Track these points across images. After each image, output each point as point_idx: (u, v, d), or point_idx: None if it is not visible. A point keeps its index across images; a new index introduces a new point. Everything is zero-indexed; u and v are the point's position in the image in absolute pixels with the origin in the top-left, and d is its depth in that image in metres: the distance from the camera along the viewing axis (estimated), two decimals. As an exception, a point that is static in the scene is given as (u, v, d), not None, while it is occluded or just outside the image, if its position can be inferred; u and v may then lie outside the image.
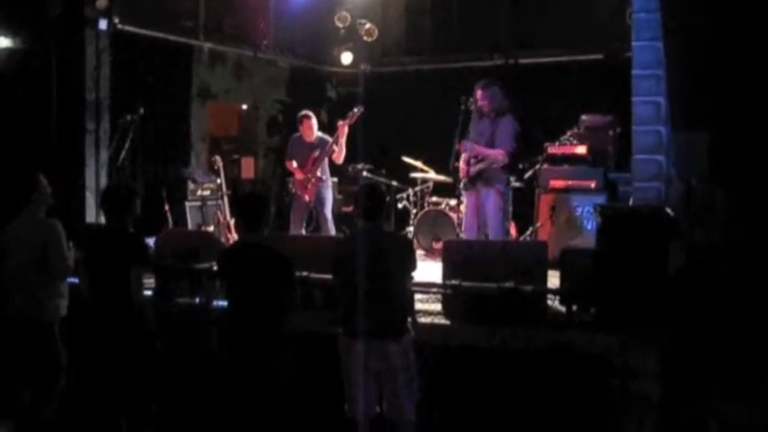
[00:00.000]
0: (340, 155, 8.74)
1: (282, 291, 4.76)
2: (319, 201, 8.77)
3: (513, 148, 7.30)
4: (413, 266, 5.01)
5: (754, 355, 5.34)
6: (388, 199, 5.03)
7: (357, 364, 4.78)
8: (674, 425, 5.25)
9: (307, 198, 8.73)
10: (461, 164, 7.57)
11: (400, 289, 4.94)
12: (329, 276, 6.02)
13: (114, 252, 5.11)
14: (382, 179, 10.17)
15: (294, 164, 8.80)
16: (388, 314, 4.79)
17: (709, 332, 5.45)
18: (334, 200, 9.91)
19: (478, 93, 7.49)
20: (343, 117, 8.80)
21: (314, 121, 8.79)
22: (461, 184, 7.65)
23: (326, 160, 8.78)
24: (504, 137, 7.31)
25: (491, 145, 7.36)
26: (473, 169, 7.40)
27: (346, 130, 8.63)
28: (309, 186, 8.67)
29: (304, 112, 8.91)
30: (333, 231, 8.78)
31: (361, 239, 4.88)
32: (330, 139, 8.70)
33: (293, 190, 9.00)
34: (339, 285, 5.08)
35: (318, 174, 8.70)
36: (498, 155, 7.31)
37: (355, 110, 8.71)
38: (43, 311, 5.37)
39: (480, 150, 7.36)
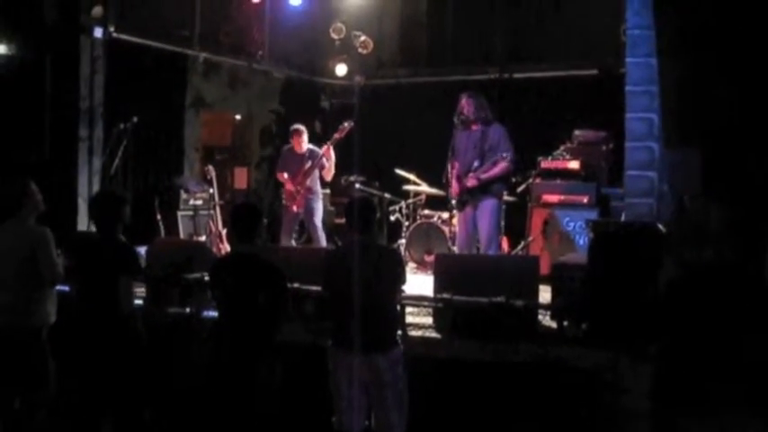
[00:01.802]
0: (329, 173, 8.90)
1: (274, 302, 4.74)
2: (309, 212, 8.82)
3: (513, 152, 7.29)
4: (403, 280, 5.01)
5: (746, 370, 5.34)
6: (379, 212, 5.02)
7: (346, 377, 4.77)
8: (664, 441, 5.25)
9: (295, 209, 8.80)
10: (453, 181, 7.52)
11: (390, 302, 4.94)
12: (320, 288, 6.02)
13: (103, 260, 5.09)
14: (375, 191, 10.18)
15: (285, 175, 8.86)
16: (377, 327, 4.77)
17: (700, 348, 5.45)
18: (326, 211, 9.93)
19: (464, 101, 7.43)
20: (335, 130, 8.87)
21: (305, 136, 8.91)
22: (453, 203, 7.61)
23: (317, 173, 8.83)
24: (502, 144, 7.29)
25: (482, 155, 7.31)
26: (470, 182, 7.32)
27: (332, 153, 8.79)
28: (299, 198, 8.75)
29: (296, 126, 9.01)
30: (323, 242, 8.82)
31: (352, 252, 4.86)
32: (320, 151, 8.76)
33: (284, 201, 9.03)
34: (329, 297, 5.07)
35: (308, 184, 8.74)
36: (504, 169, 7.30)
37: (345, 124, 8.78)
38: (32, 318, 5.33)
39: (486, 176, 7.30)
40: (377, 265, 4.81)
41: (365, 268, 4.75)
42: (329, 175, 8.94)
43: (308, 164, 8.74)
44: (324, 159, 8.74)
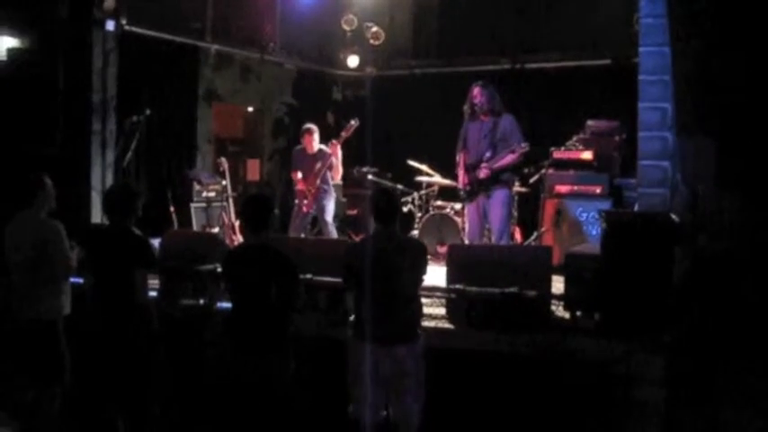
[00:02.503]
0: (337, 173, 8.94)
1: (286, 293, 4.75)
2: (319, 208, 8.86)
3: (525, 141, 7.29)
4: (425, 271, 5.00)
5: (761, 361, 5.32)
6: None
7: (368, 368, 4.76)
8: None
9: (305, 210, 8.84)
10: (460, 172, 7.54)
11: (413, 293, 4.94)
12: (333, 279, 6.04)
13: (119, 253, 5.12)
14: (387, 182, 10.17)
15: (299, 175, 8.87)
16: (401, 318, 4.80)
17: (713, 339, 5.43)
18: (339, 203, 9.94)
19: (476, 90, 7.42)
20: (347, 123, 8.86)
21: (316, 135, 8.87)
22: (462, 194, 7.60)
23: (328, 171, 8.87)
24: (514, 134, 7.30)
25: (494, 145, 7.32)
26: (482, 173, 7.31)
27: (339, 151, 8.78)
28: (309, 198, 8.77)
29: (307, 125, 8.99)
30: (334, 236, 8.82)
31: (375, 243, 4.88)
32: (329, 151, 8.79)
33: (296, 200, 9.05)
34: (351, 289, 5.08)
35: (318, 184, 8.77)
36: (515, 158, 7.30)
37: (351, 122, 8.77)
38: (46, 311, 5.37)
39: (498, 166, 7.29)
40: (402, 256, 4.81)
41: (390, 259, 4.76)
42: (338, 174, 8.97)
43: (319, 165, 8.75)
44: (332, 159, 8.74)
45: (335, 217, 9.31)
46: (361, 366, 4.79)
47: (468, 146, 7.48)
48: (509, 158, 7.27)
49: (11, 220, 5.46)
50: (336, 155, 8.78)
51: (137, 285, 5.11)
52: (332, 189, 9.05)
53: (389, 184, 9.98)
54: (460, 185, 7.54)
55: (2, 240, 5.47)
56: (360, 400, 4.84)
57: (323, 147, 8.87)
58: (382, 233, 4.87)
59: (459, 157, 7.55)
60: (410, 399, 4.79)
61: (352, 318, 4.97)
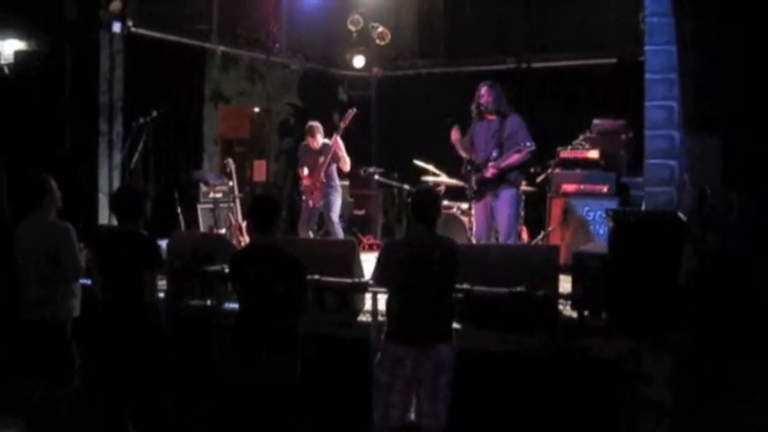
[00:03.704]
0: (345, 163, 8.96)
1: (294, 293, 4.75)
2: (326, 205, 8.91)
3: (532, 141, 7.29)
4: (459, 270, 4.98)
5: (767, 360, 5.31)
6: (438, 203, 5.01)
7: (402, 370, 4.73)
8: (687, 431, 5.23)
9: (312, 204, 8.89)
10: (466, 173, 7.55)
11: (449, 293, 4.95)
12: (340, 279, 6.05)
13: (127, 255, 5.13)
14: (394, 182, 10.18)
15: (305, 170, 8.93)
16: (439, 318, 4.80)
17: (721, 337, 5.42)
18: (345, 203, 9.95)
19: (484, 89, 7.41)
20: (352, 119, 8.90)
21: (318, 132, 8.94)
22: (469, 194, 7.60)
23: (334, 166, 8.91)
24: (521, 134, 7.29)
25: (501, 145, 7.32)
26: (489, 172, 7.32)
27: (340, 142, 8.84)
28: (315, 192, 8.84)
29: (310, 123, 9.11)
30: (340, 235, 8.86)
31: (414, 242, 4.88)
32: (330, 143, 8.85)
33: (303, 196, 9.10)
34: (383, 288, 5.07)
35: (323, 179, 8.81)
36: (522, 158, 7.30)
37: (349, 111, 8.82)
38: (56, 312, 5.39)
39: (504, 164, 7.30)
40: (440, 255, 4.80)
41: (429, 259, 4.75)
42: (345, 165, 8.98)
43: (322, 158, 8.80)
44: (335, 151, 8.78)
45: (341, 217, 9.33)
46: (395, 369, 4.74)
47: (476, 146, 7.48)
48: (516, 158, 7.27)
49: (20, 223, 5.48)
50: (339, 146, 8.83)
51: (145, 286, 5.12)
52: (338, 186, 9.10)
53: (396, 184, 9.98)
54: (468, 184, 7.52)
55: (12, 243, 5.49)
56: (389, 404, 4.77)
57: (326, 141, 8.92)
58: (421, 232, 4.87)
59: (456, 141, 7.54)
60: (441, 399, 4.75)
61: (382, 318, 4.93)
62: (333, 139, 8.86)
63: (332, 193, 8.94)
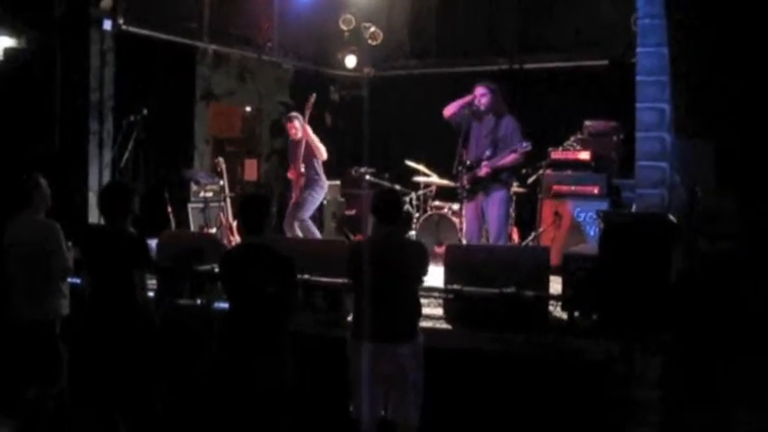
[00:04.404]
0: (319, 152, 8.81)
1: (285, 292, 4.74)
2: (302, 199, 8.80)
3: (528, 141, 7.29)
4: (426, 272, 5.03)
5: (757, 362, 5.32)
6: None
7: (368, 367, 4.78)
8: (676, 432, 5.24)
9: (294, 198, 8.83)
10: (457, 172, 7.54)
11: (413, 293, 4.98)
12: (330, 279, 6.03)
13: (115, 253, 5.09)
14: (385, 183, 10.16)
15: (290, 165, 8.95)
16: (401, 318, 4.84)
17: (711, 339, 5.43)
18: (336, 202, 9.92)
19: (480, 89, 7.45)
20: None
21: (296, 122, 8.83)
22: (460, 192, 7.60)
23: (313, 161, 8.83)
24: (516, 136, 7.33)
25: (495, 145, 7.33)
26: (483, 171, 7.32)
27: (309, 130, 8.72)
28: (296, 187, 8.79)
29: (288, 114, 8.98)
30: (309, 235, 8.71)
31: (377, 243, 4.92)
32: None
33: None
34: (353, 288, 5.09)
35: (302, 171, 8.75)
36: (516, 159, 7.33)
37: (309, 96, 8.70)
38: (44, 311, 5.37)
39: (499, 164, 7.30)
40: (404, 256, 4.87)
41: (390, 259, 4.81)
42: (320, 153, 8.81)
43: (299, 150, 8.76)
44: (305, 139, 8.69)
45: (334, 217, 9.29)
46: (361, 365, 4.80)
47: (469, 145, 7.49)
48: (511, 158, 7.29)
49: (9, 221, 5.45)
50: (307, 134, 8.72)
51: (137, 286, 5.09)
52: (321, 181, 8.95)
53: (387, 184, 9.96)
54: (461, 183, 7.51)
55: (0, 241, 5.46)
56: (359, 400, 4.85)
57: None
58: (384, 233, 4.88)
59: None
60: (409, 398, 4.81)
61: (350, 317, 4.98)
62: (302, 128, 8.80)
63: (310, 189, 8.83)
